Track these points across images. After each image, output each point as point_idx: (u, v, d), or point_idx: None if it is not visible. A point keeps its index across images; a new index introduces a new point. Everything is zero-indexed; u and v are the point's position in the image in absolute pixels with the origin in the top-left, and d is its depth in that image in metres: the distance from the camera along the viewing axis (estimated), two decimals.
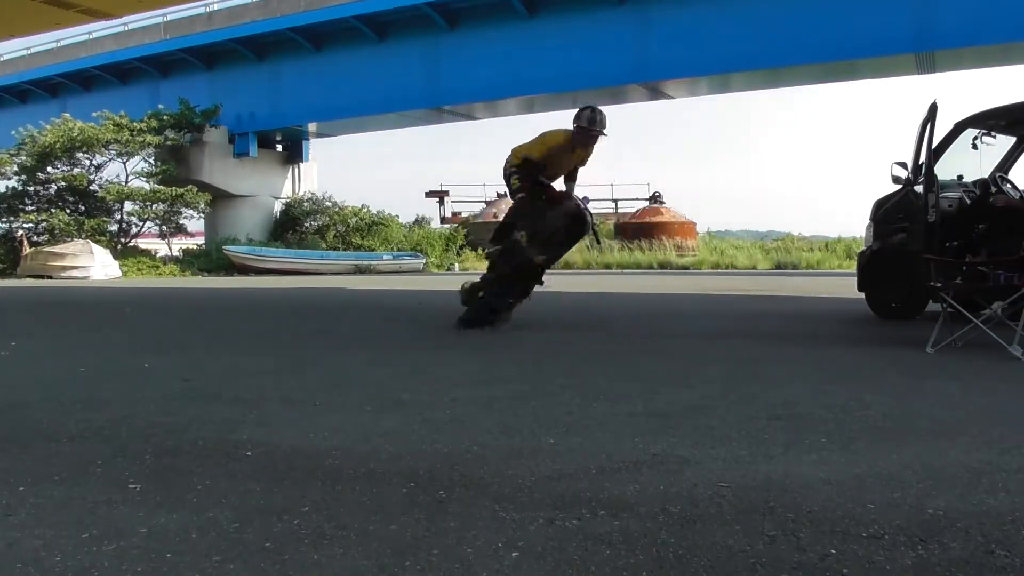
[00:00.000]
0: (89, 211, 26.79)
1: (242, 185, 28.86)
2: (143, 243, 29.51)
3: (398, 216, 31.28)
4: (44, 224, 25.72)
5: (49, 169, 26.62)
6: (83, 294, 13.53)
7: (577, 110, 6.22)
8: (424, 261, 27.81)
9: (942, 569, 1.49)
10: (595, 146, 6.34)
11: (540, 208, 6.06)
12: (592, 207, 6.68)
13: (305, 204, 29.99)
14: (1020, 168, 6.91)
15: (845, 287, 10.24)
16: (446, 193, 34.75)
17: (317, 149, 32.44)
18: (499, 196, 31.98)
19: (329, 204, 29.90)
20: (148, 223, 27.60)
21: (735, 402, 3.14)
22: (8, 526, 1.76)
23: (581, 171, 6.55)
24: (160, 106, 26.89)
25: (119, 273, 23.19)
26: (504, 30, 22.58)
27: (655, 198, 30.89)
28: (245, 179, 28.88)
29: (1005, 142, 6.75)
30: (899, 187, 6.56)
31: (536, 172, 6.01)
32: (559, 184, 6.39)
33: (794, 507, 1.83)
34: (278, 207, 30.75)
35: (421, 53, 24.13)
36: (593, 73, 21.76)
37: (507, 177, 6.14)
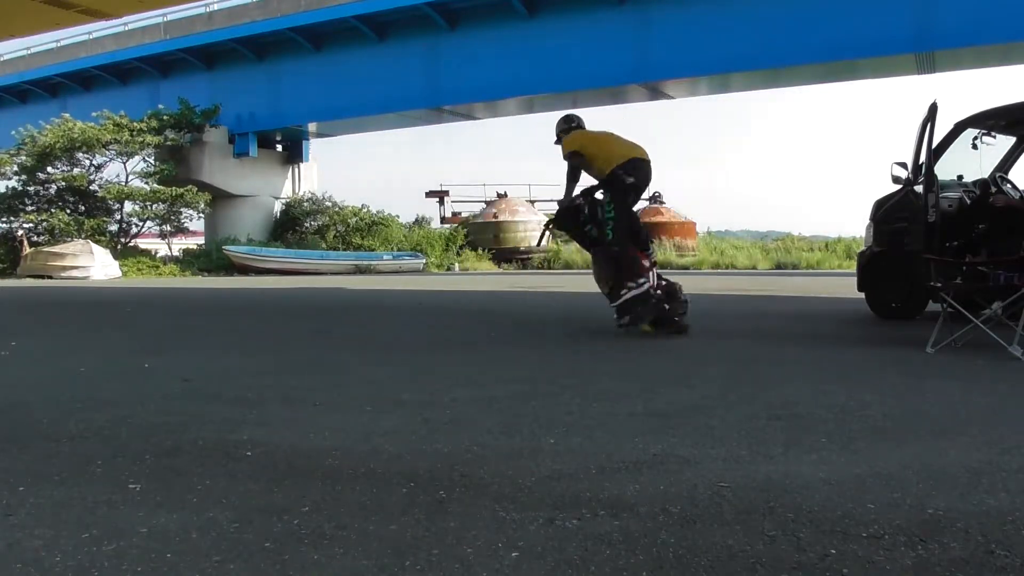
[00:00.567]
0: (89, 211, 26.80)
1: (242, 185, 28.86)
2: (143, 243, 29.52)
3: (398, 216, 31.33)
4: (44, 224, 25.73)
5: (49, 169, 26.63)
6: (83, 294, 13.53)
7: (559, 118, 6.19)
8: (424, 261, 27.82)
9: (942, 569, 1.49)
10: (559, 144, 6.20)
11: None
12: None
13: (305, 204, 29.99)
14: (1020, 168, 6.92)
15: (845, 287, 10.24)
16: (446, 193, 34.72)
17: (317, 149, 32.47)
18: (499, 196, 32.00)
19: (329, 204, 29.90)
20: (148, 223, 27.61)
21: (735, 402, 3.14)
22: (8, 526, 1.76)
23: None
24: (160, 106, 26.90)
25: (119, 273, 23.19)
26: (504, 30, 22.58)
27: (655, 198, 30.86)
28: (245, 179, 28.88)
29: (1005, 142, 6.75)
30: (899, 187, 6.56)
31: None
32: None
33: (794, 507, 1.83)
34: (278, 207, 30.75)
35: (421, 53, 24.13)
36: (593, 73, 21.76)
37: (615, 179, 5.79)
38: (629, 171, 5.65)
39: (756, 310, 8.50)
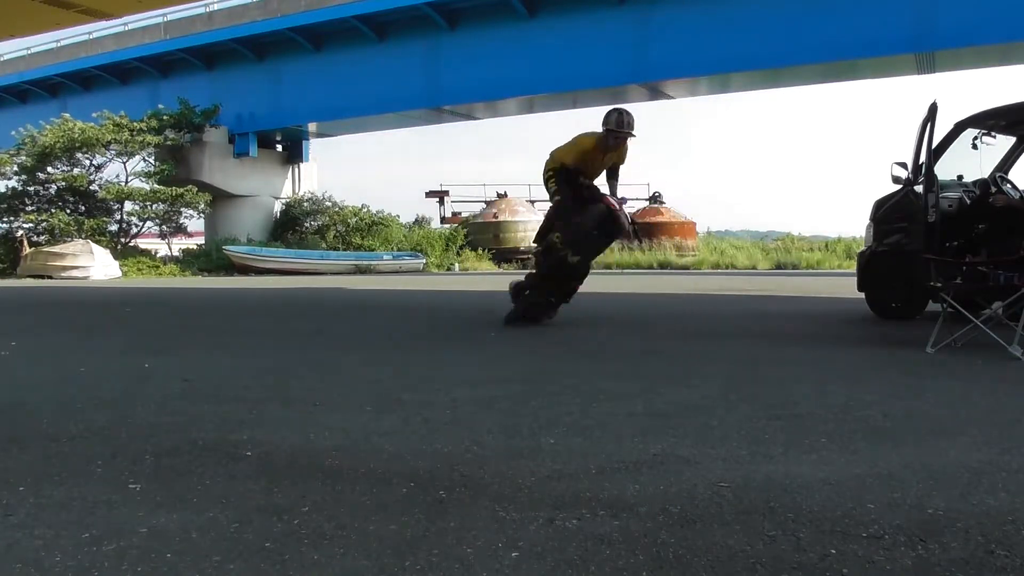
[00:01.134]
0: (89, 211, 26.80)
1: (242, 185, 28.86)
2: (143, 243, 29.51)
3: (398, 216, 31.34)
4: (44, 224, 25.72)
5: (49, 169, 26.63)
6: (83, 294, 13.53)
7: (606, 113, 6.32)
8: (424, 261, 27.82)
9: (942, 569, 1.49)
10: (626, 146, 6.46)
11: (576, 210, 6.24)
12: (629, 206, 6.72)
13: (305, 204, 29.99)
14: (1020, 168, 6.91)
15: (845, 287, 10.24)
16: (446, 193, 34.73)
17: (317, 149, 32.48)
18: (499, 196, 31.99)
19: (329, 204, 29.90)
20: (148, 223, 27.61)
21: (735, 402, 3.14)
22: (8, 526, 1.76)
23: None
24: (160, 106, 26.90)
25: (119, 273, 23.19)
26: (504, 30, 22.58)
27: (655, 198, 30.88)
28: (245, 179, 28.88)
29: (1005, 142, 6.74)
30: (899, 187, 6.56)
31: (572, 176, 6.20)
32: (601, 182, 6.50)
33: (794, 507, 1.83)
34: (278, 207, 30.75)
35: (421, 53, 24.13)
36: (593, 73, 21.76)
37: (546, 181, 6.33)
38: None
39: (756, 310, 8.50)
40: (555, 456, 2.32)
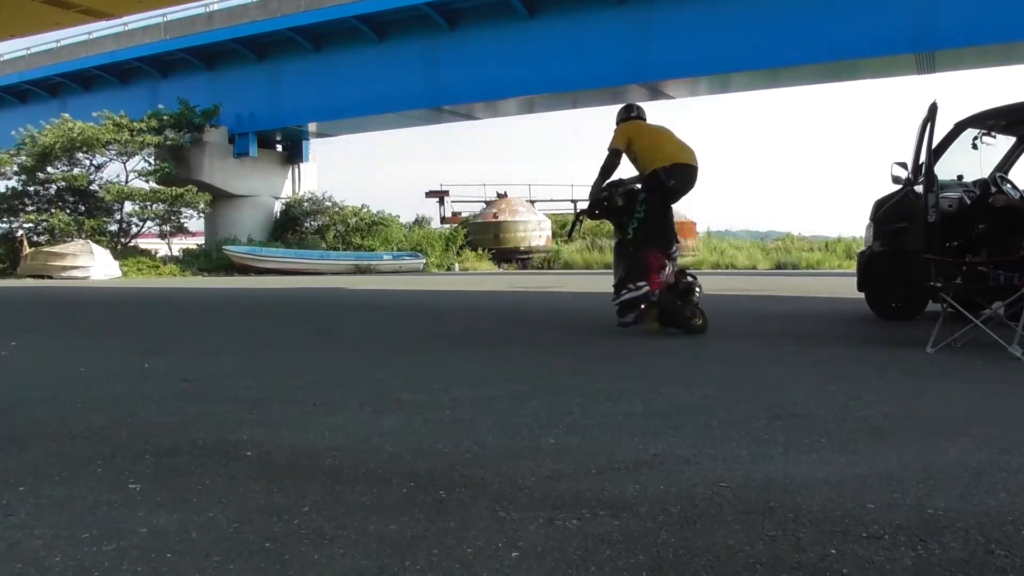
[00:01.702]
0: (89, 211, 26.82)
1: (242, 185, 28.88)
2: (143, 243, 29.53)
3: (398, 216, 31.38)
4: (44, 224, 25.75)
5: (49, 169, 26.65)
6: (83, 294, 13.54)
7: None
8: (424, 261, 27.83)
9: (942, 569, 1.49)
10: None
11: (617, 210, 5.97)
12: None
13: (305, 204, 30.01)
14: (1020, 168, 6.91)
15: (845, 287, 10.24)
16: (446, 193, 34.75)
17: (317, 149, 32.51)
18: (499, 196, 31.99)
19: (329, 204, 29.92)
20: (148, 223, 27.63)
21: (735, 402, 3.14)
22: (8, 526, 1.76)
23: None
24: (160, 106, 26.92)
25: (119, 273, 23.20)
26: (504, 30, 22.60)
27: None
28: (245, 179, 28.90)
29: (1005, 142, 6.74)
30: (899, 187, 6.56)
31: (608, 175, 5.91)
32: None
33: (794, 507, 1.83)
34: (278, 207, 30.77)
35: (421, 53, 24.14)
36: (593, 73, 21.77)
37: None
38: (672, 174, 5.63)
39: (756, 310, 8.50)
40: (555, 456, 2.32)
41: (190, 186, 26.31)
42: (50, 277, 21.21)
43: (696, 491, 1.96)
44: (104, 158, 26.97)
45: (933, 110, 6.03)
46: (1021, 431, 2.62)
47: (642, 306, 5.60)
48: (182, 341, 5.93)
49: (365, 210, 29.95)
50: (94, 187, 26.91)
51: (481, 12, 22.76)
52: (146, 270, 24.83)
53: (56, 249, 23.06)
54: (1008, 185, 6.50)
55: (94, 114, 25.99)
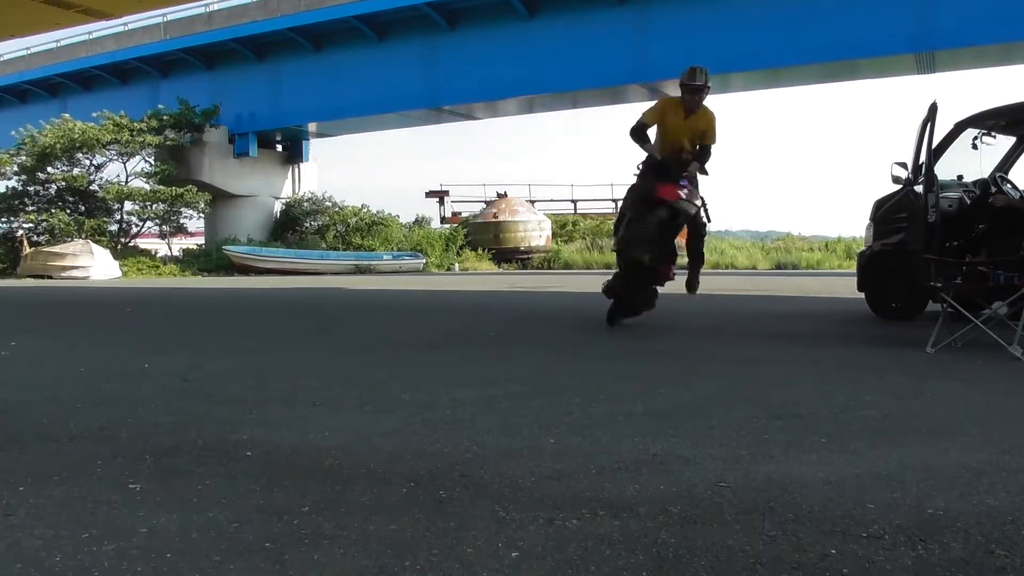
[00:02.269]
0: (89, 211, 26.80)
1: (242, 185, 28.86)
2: (143, 243, 29.51)
3: (398, 216, 31.34)
4: (44, 224, 25.72)
5: (49, 169, 26.62)
6: (83, 294, 13.53)
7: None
8: (424, 261, 27.82)
9: (942, 569, 1.49)
10: (710, 115, 6.09)
11: (640, 209, 5.96)
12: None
13: (305, 204, 29.98)
14: (1020, 168, 6.91)
15: (845, 287, 10.24)
16: (446, 193, 34.73)
17: (317, 149, 32.47)
18: (499, 196, 31.98)
19: (329, 204, 29.89)
20: (148, 223, 27.61)
21: (735, 402, 3.14)
22: (8, 526, 1.76)
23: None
24: (160, 106, 26.89)
25: (119, 273, 23.20)
26: (504, 30, 22.58)
27: None
28: (245, 179, 28.88)
29: (1005, 142, 6.74)
30: (899, 187, 6.56)
31: (641, 139, 6.05)
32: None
33: (794, 507, 1.83)
34: (278, 207, 30.75)
35: (421, 53, 24.12)
36: (593, 73, 21.75)
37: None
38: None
39: (756, 310, 8.50)
40: (555, 456, 2.32)
41: (190, 186, 26.28)
42: (50, 277, 21.20)
43: (696, 491, 1.96)
44: (104, 158, 26.96)
45: (933, 110, 6.04)
46: (1021, 431, 2.62)
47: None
48: (182, 341, 5.93)
49: (365, 210, 29.93)
50: (94, 187, 26.89)
51: (481, 12, 22.75)
52: (146, 270, 24.81)
53: (56, 249, 23.05)
54: (1008, 185, 6.50)
55: (94, 114, 25.97)
